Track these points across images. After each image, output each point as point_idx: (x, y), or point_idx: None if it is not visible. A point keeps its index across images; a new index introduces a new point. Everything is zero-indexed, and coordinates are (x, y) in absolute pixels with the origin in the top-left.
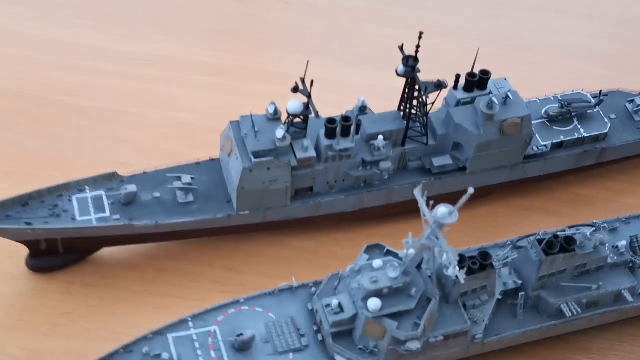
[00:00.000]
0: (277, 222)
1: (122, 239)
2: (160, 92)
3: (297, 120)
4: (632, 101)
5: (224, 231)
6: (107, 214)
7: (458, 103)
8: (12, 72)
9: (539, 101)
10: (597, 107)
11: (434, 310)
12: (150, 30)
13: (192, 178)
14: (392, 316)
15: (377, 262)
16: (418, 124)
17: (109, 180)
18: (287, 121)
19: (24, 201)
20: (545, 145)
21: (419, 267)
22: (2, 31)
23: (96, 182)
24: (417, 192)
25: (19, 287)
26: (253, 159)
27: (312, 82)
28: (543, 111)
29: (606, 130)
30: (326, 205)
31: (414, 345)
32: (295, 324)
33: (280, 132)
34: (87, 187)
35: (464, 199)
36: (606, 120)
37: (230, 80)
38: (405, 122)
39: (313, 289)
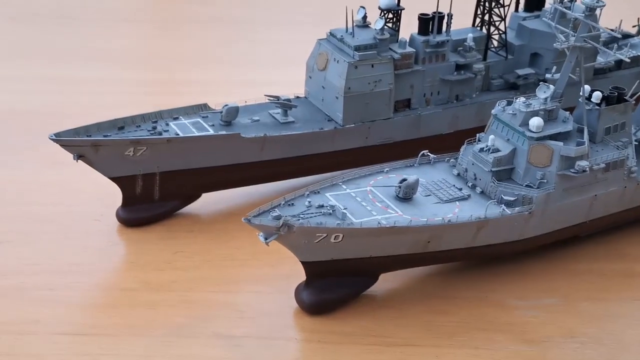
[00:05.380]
0: (379, 146)
1: (224, 173)
2: None
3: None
4: None
5: (327, 161)
6: (210, 131)
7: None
8: None
9: None
10: (638, 35)
11: (587, 138)
12: None
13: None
14: (553, 138)
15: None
16: (496, 35)
17: (201, 110)
18: (381, 16)
19: (119, 125)
20: (608, 61)
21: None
22: None
23: (188, 112)
24: None
25: (114, 239)
26: (357, 54)
27: None
28: None
29: None
30: (425, 122)
31: (584, 163)
32: (448, 182)
33: (379, 23)
34: (180, 116)
35: None
36: None
37: None
38: (486, 30)
39: (451, 161)
